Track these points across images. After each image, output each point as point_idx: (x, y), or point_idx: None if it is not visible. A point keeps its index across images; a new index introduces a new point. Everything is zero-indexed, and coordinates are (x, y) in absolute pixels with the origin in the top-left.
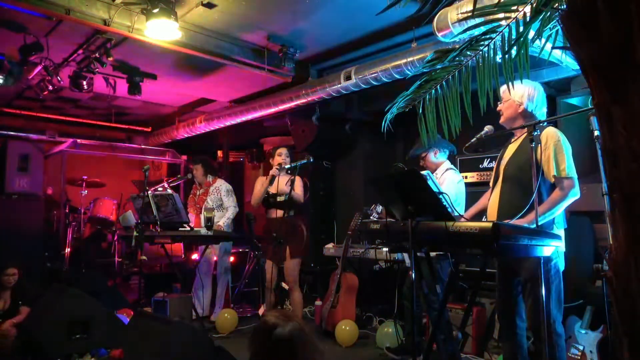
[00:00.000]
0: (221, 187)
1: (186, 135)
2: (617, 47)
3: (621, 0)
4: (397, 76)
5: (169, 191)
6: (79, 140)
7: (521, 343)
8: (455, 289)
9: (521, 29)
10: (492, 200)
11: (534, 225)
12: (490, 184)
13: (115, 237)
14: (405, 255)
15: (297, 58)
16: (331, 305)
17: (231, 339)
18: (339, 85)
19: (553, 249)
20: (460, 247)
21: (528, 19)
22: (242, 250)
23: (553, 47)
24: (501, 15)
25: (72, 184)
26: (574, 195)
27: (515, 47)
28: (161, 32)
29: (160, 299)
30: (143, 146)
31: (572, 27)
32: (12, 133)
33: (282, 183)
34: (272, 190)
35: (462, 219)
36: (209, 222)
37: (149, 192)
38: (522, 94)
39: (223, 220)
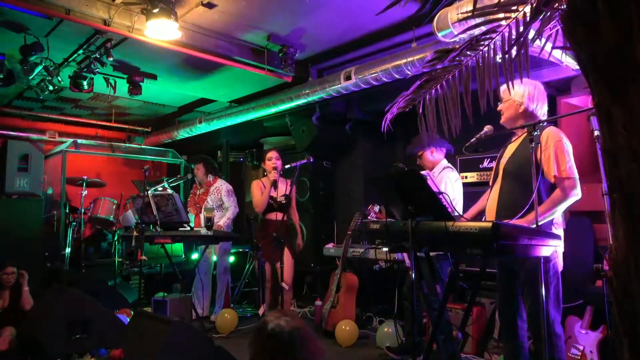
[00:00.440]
0: (222, 187)
1: (186, 135)
2: (617, 47)
3: (621, 0)
4: (397, 76)
5: (169, 191)
6: (79, 140)
7: (521, 343)
8: (455, 289)
9: (521, 29)
10: (491, 198)
11: (534, 226)
12: (490, 183)
13: (115, 237)
14: (405, 255)
15: (297, 58)
16: (331, 305)
17: (231, 339)
18: (339, 86)
19: (553, 249)
20: (460, 247)
21: (528, 19)
22: (242, 251)
23: (553, 47)
24: (501, 15)
25: (72, 184)
26: (575, 195)
27: (515, 47)
28: (161, 32)
29: (160, 299)
30: (143, 146)
31: (572, 27)
32: (12, 133)
33: (280, 186)
34: (273, 193)
35: (462, 219)
36: (209, 222)
37: (149, 192)
38: (523, 94)
39: (223, 220)
